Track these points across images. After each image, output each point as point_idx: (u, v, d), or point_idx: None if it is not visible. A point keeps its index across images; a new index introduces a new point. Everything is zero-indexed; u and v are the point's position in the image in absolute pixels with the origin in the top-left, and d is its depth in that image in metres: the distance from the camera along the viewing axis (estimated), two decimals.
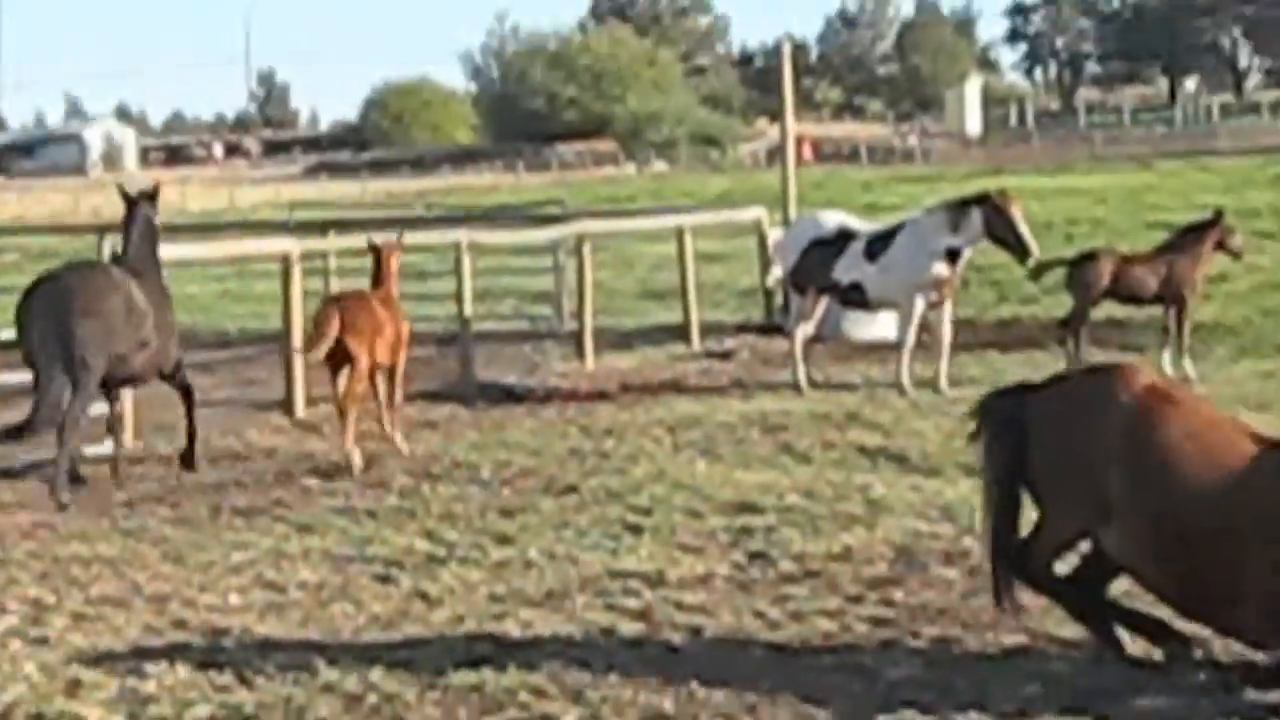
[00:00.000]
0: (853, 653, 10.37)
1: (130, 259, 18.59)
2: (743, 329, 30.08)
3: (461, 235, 26.08)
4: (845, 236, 23.38)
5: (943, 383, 22.26)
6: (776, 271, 30.16)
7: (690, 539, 13.92)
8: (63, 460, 16.95)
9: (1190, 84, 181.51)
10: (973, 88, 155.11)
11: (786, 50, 37.09)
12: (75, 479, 17.43)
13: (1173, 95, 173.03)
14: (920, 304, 22.63)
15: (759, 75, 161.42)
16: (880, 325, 28.19)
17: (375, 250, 20.01)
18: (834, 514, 14.65)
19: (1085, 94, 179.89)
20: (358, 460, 17.72)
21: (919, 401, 21.32)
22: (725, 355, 27.38)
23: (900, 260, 22.64)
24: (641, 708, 9.54)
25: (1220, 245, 23.48)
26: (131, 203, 19.00)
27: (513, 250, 32.70)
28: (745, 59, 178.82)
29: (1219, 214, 24.02)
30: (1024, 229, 22.08)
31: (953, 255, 22.52)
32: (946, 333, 22.74)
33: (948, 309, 22.91)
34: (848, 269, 22.96)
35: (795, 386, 22.87)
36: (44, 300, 17.32)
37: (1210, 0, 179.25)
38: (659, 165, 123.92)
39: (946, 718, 9.10)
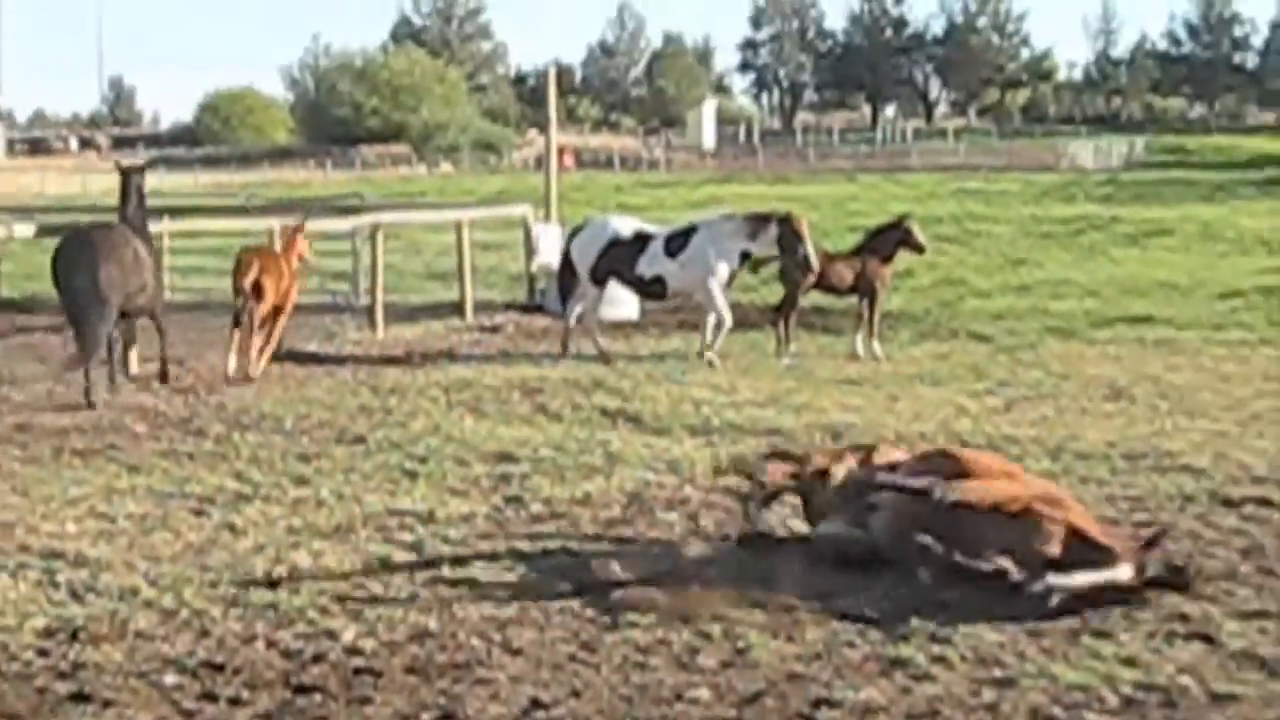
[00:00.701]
0: (584, 572, 10.46)
1: (130, 219, 20.30)
2: (509, 307, 30.07)
3: (272, 223, 26.04)
4: (643, 237, 23.39)
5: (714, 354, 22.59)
6: (539, 259, 30.29)
7: (458, 484, 13.90)
8: (96, 373, 18.98)
9: (889, 111, 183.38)
10: (709, 109, 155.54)
11: (552, 73, 37.33)
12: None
13: (874, 120, 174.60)
14: (718, 291, 22.87)
15: (531, 93, 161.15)
16: (624, 308, 28.34)
17: (287, 228, 23.64)
18: (578, 465, 14.68)
19: (803, 117, 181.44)
20: (255, 368, 20.91)
21: (653, 372, 21.42)
22: (494, 329, 27.36)
23: (697, 257, 22.84)
24: (410, 624, 9.54)
25: (905, 243, 23.75)
26: (126, 174, 20.77)
27: (318, 236, 32.47)
28: (520, 79, 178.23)
29: (902, 218, 24.33)
30: (809, 246, 22.44)
31: (744, 256, 22.85)
32: (726, 317, 22.97)
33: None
34: (650, 264, 23.07)
35: (604, 360, 22.81)
36: (75, 249, 19.23)
37: (906, 42, 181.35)
38: (446, 167, 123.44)
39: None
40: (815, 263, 22.46)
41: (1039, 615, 9.34)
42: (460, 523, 12.38)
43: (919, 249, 24.26)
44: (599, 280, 23.75)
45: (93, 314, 19.01)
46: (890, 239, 23.82)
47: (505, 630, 9.45)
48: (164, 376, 20.37)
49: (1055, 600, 9.43)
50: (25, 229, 24.34)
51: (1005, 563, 9.57)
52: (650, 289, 23.64)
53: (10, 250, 25.24)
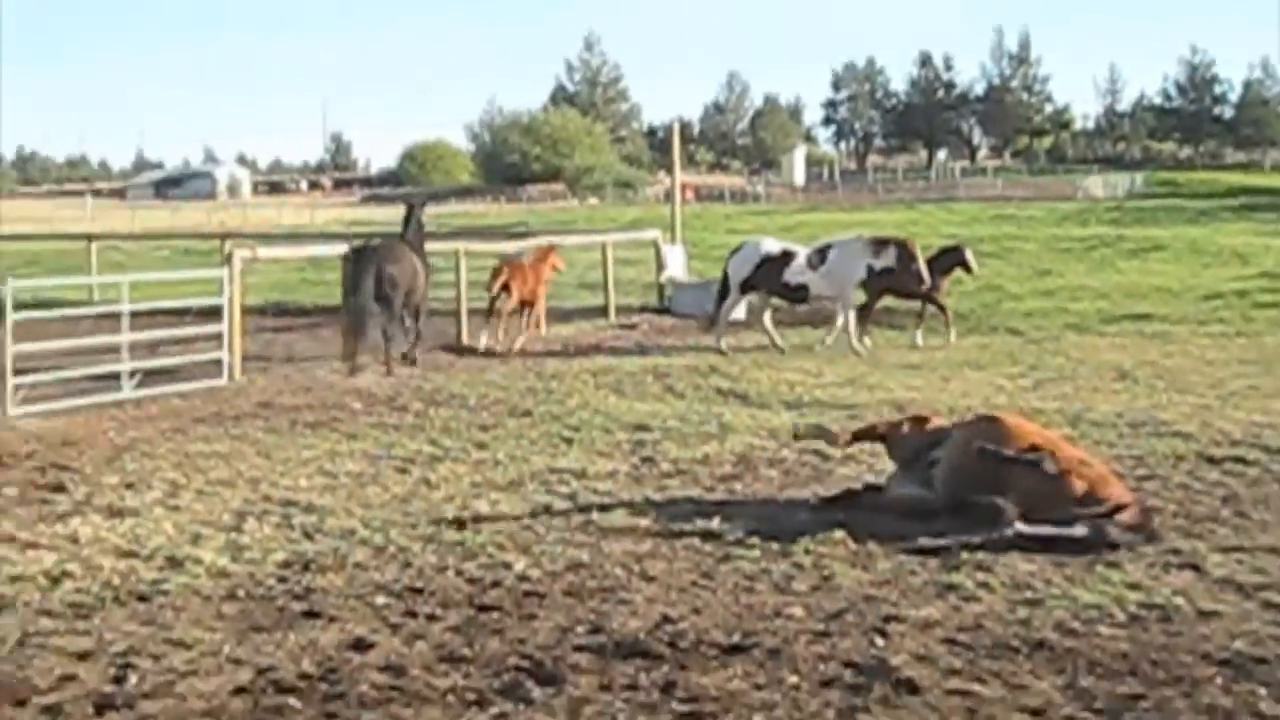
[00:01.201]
0: (703, 517, 10.43)
1: (409, 238, 21.52)
2: (643, 310, 30.04)
3: (460, 244, 26.15)
4: (788, 254, 23.12)
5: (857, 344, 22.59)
6: (666, 272, 30.23)
7: (604, 448, 13.91)
8: (393, 349, 20.45)
9: (942, 154, 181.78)
10: (799, 154, 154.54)
11: (676, 127, 37.19)
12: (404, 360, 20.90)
13: (930, 162, 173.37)
14: (850, 296, 22.87)
15: (660, 143, 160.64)
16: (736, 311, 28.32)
17: (540, 248, 25.98)
18: (698, 433, 14.65)
19: (873, 159, 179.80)
20: (489, 343, 23.11)
21: (757, 360, 21.38)
22: (631, 327, 27.35)
23: (834, 269, 22.73)
24: (568, 558, 9.56)
25: (961, 264, 23.72)
26: (410, 207, 22.45)
27: (495, 255, 32.56)
28: (651, 132, 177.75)
29: (960, 245, 24.23)
30: (921, 263, 22.52)
31: (869, 270, 22.80)
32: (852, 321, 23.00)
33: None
34: (795, 275, 22.86)
35: (719, 350, 22.70)
36: (366, 256, 20.34)
37: (955, 100, 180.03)
38: (593, 201, 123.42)
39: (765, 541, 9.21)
40: (927, 277, 22.55)
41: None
42: (606, 478, 12.39)
43: (969, 270, 24.18)
44: (750, 289, 23.50)
45: (375, 308, 20.06)
46: (950, 260, 23.82)
47: (642, 562, 9.46)
48: (412, 360, 21.03)
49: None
50: (268, 251, 24.57)
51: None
52: (795, 295, 23.26)
53: (255, 267, 25.42)
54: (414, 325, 21.35)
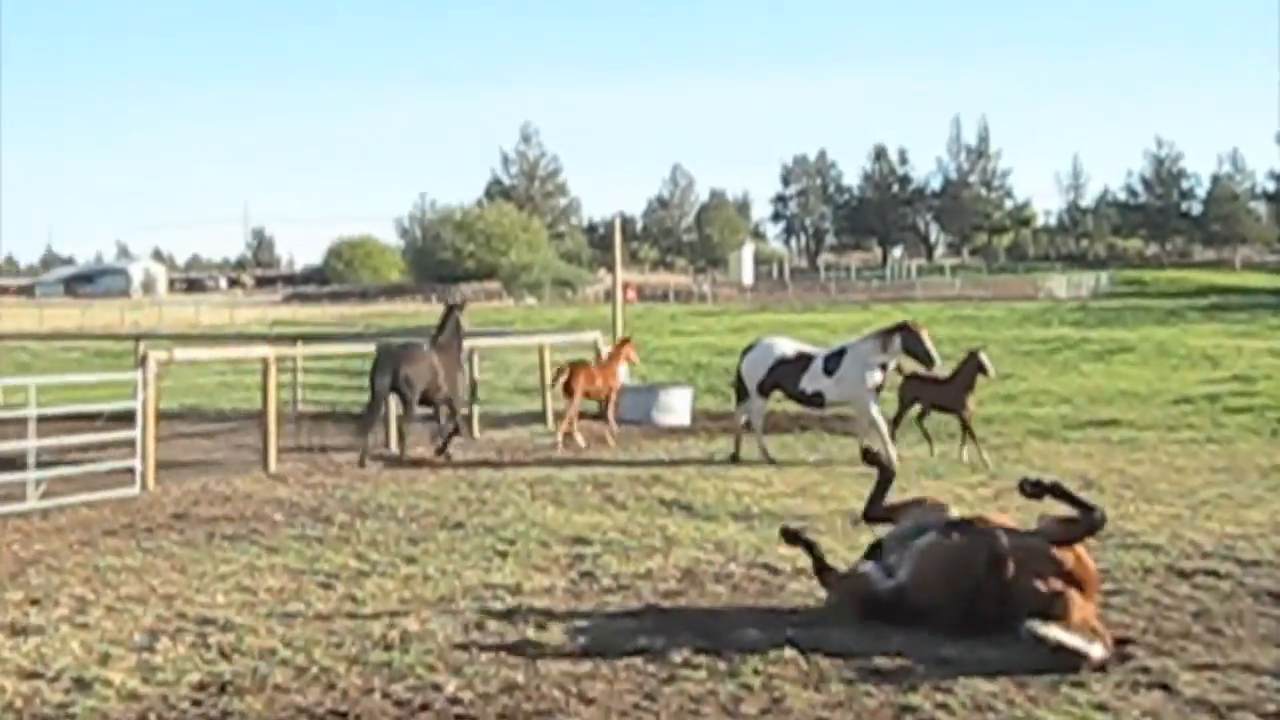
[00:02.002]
0: (646, 635, 10.41)
1: (439, 341, 24.10)
2: (583, 416, 30.01)
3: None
4: (804, 357, 23.05)
5: (893, 453, 21.81)
6: None
7: (541, 561, 13.88)
8: (403, 447, 23.43)
9: (897, 252, 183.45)
10: (748, 251, 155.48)
11: (618, 223, 37.66)
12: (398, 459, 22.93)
13: (884, 259, 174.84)
14: (870, 401, 22.48)
15: (600, 239, 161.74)
16: (676, 415, 28.41)
17: (616, 346, 27.73)
18: (641, 546, 14.64)
19: (825, 257, 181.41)
20: (574, 440, 24.92)
21: (703, 470, 21.38)
22: (569, 435, 27.28)
23: (849, 374, 22.49)
24: (502, 678, 9.52)
25: (981, 370, 23.37)
26: (449, 309, 24.83)
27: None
28: (591, 228, 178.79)
29: (974, 352, 24.12)
30: (930, 346, 22.27)
31: (883, 366, 22.55)
32: (879, 421, 22.52)
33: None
34: (811, 381, 22.76)
35: (767, 460, 22.44)
36: (388, 358, 23.13)
37: (910, 195, 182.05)
38: (530, 300, 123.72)
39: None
40: (937, 358, 22.34)
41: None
42: (543, 594, 12.35)
43: (985, 373, 23.83)
44: (765, 392, 23.34)
45: (381, 409, 23.45)
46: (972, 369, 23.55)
47: (580, 683, 9.42)
48: (443, 451, 23.38)
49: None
50: (185, 352, 24.48)
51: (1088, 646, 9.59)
52: (811, 401, 23.15)
53: (171, 369, 25.33)
54: (446, 423, 23.70)
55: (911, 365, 23.04)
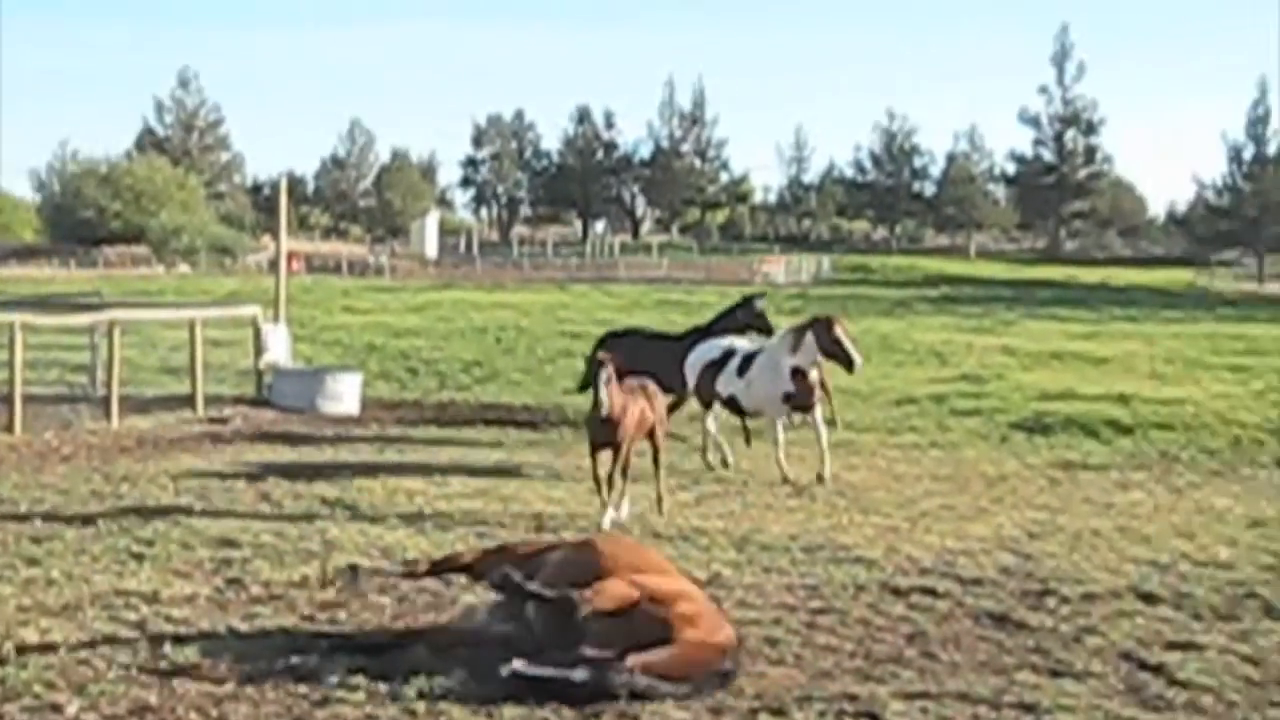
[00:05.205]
0: (298, 652, 10.35)
1: None
2: (238, 401, 29.70)
3: (15, 317, 25.42)
4: (728, 356, 22.09)
5: (827, 472, 20.75)
6: (266, 357, 30.05)
7: (182, 566, 13.70)
8: None
9: (599, 226, 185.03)
10: (432, 220, 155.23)
11: (284, 184, 37.04)
12: None
13: (585, 235, 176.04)
14: (783, 409, 21.29)
15: (265, 201, 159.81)
16: (343, 403, 28.37)
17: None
18: (296, 550, 14.54)
19: (519, 230, 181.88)
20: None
21: (370, 466, 21.31)
22: (223, 421, 27.00)
23: (757, 378, 21.40)
24: (132, 699, 9.39)
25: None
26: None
27: (59, 329, 31.77)
28: (255, 188, 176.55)
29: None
30: (849, 345, 20.69)
31: (794, 371, 20.92)
32: (822, 432, 21.11)
33: (817, 412, 21.29)
34: (726, 384, 21.80)
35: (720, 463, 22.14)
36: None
37: (615, 163, 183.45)
38: (183, 268, 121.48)
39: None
40: (859, 360, 20.88)
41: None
42: (183, 603, 12.20)
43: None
44: (703, 401, 22.48)
45: None
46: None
47: (222, 706, 9.34)
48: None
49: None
50: None
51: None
52: (731, 406, 22.21)
53: None
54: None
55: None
